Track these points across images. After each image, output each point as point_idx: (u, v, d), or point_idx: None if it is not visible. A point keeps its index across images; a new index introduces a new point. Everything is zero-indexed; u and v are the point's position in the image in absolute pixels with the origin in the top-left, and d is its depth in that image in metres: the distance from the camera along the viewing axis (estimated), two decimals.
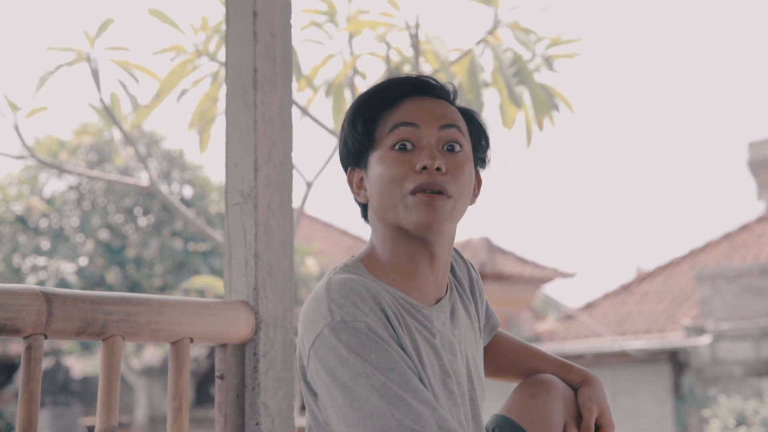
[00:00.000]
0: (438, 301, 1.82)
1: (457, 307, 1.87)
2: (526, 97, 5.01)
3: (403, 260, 1.77)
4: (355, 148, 1.77)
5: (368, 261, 1.80)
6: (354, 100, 1.80)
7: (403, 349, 1.66)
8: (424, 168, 1.68)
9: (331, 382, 1.62)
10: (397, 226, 1.74)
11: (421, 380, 1.67)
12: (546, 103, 5.00)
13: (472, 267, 2.01)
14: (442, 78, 5.17)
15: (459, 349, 1.82)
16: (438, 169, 1.68)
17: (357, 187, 1.80)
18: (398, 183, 1.69)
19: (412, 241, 1.75)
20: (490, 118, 5.06)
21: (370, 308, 1.64)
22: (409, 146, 1.71)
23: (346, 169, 1.83)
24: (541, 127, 5.02)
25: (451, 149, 1.73)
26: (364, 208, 1.83)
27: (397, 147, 1.71)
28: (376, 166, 1.72)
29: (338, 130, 5.51)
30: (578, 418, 1.90)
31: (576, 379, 1.95)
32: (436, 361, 1.74)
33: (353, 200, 1.84)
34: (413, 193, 1.69)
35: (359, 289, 1.66)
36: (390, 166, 1.70)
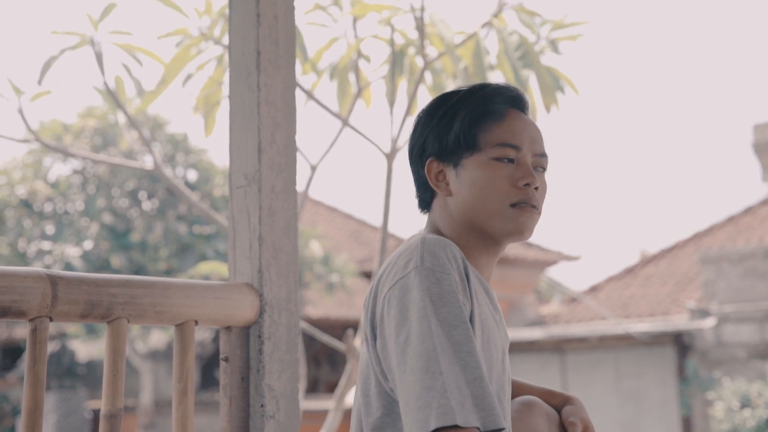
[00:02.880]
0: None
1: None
2: (531, 80, 5.00)
3: (465, 246, 1.89)
4: (452, 146, 1.87)
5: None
6: (457, 98, 1.90)
7: (471, 319, 1.76)
8: (526, 184, 1.84)
9: (399, 317, 1.70)
10: (480, 227, 1.87)
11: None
12: (551, 86, 4.99)
13: None
14: (447, 61, 5.16)
15: (503, 328, 1.93)
16: (536, 188, 1.86)
17: (436, 178, 1.89)
18: (500, 193, 1.84)
19: (486, 241, 1.89)
20: None
21: (457, 267, 1.75)
22: (507, 161, 1.86)
23: (420, 156, 1.92)
24: (548, 110, 5.01)
25: (542, 170, 1.91)
26: (429, 197, 1.93)
27: (497, 159, 1.85)
28: (476, 170, 1.85)
29: (343, 113, 5.50)
30: (561, 430, 1.95)
31: (558, 401, 2.01)
32: (497, 335, 1.85)
33: (419, 185, 1.94)
34: (513, 205, 1.84)
35: (453, 249, 1.77)
36: (494, 176, 1.84)
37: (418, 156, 1.93)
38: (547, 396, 2.03)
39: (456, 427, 1.59)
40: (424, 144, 1.91)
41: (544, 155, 1.89)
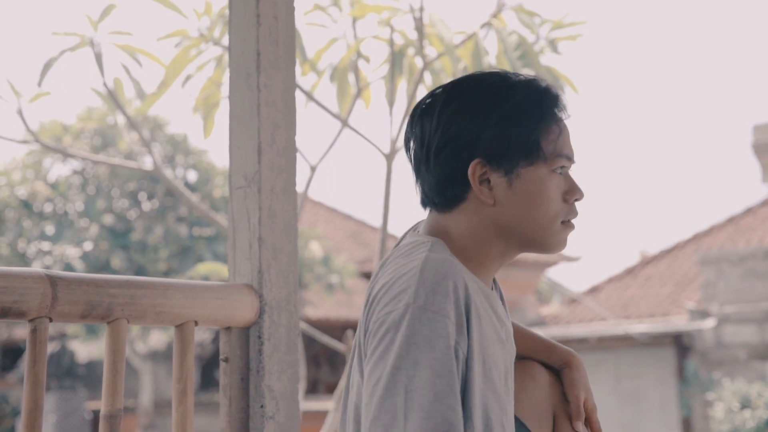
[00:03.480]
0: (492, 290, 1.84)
1: (501, 297, 1.90)
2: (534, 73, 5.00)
3: (484, 253, 1.76)
4: (510, 152, 1.70)
5: (446, 244, 1.75)
6: (516, 97, 1.73)
7: (469, 356, 1.64)
8: (576, 200, 1.75)
9: (380, 355, 1.59)
10: (521, 238, 1.75)
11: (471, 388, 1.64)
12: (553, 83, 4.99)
13: None
14: (447, 61, 5.16)
15: (509, 341, 1.82)
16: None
17: (479, 181, 1.71)
18: (554, 208, 1.73)
19: (514, 249, 1.77)
20: None
21: (456, 302, 1.62)
22: (561, 171, 1.74)
23: (460, 151, 1.71)
24: None
25: None
26: (457, 198, 1.74)
27: (557, 171, 1.73)
28: (535, 182, 1.71)
29: (343, 114, 5.50)
30: (564, 401, 1.88)
31: (558, 360, 1.92)
32: (501, 356, 1.74)
33: (447, 182, 1.74)
34: (563, 222, 1.75)
35: (453, 278, 1.63)
36: (549, 192, 1.71)
37: (457, 150, 1.71)
38: (548, 351, 1.92)
39: None
40: (472, 141, 1.70)
41: (576, 162, 1.79)
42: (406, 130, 1.81)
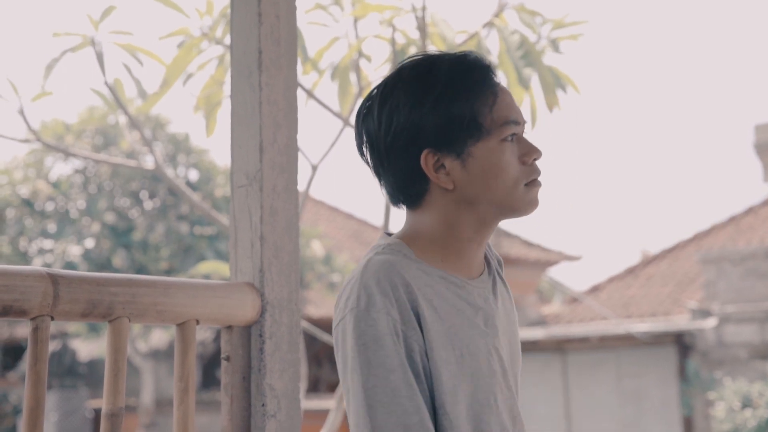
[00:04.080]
0: (480, 275, 1.84)
1: (497, 283, 1.89)
2: (533, 79, 5.00)
3: (459, 239, 1.79)
4: (454, 133, 1.71)
5: (411, 240, 1.78)
6: (443, 77, 1.73)
7: (426, 343, 1.68)
8: (534, 159, 1.76)
9: (342, 363, 1.69)
10: (491, 209, 1.76)
11: (436, 376, 1.68)
12: (553, 85, 4.99)
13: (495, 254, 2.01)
14: None
15: (501, 329, 1.82)
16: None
17: (434, 170, 1.73)
18: (512, 177, 1.74)
19: (489, 222, 1.79)
20: None
21: (396, 300, 1.66)
22: (512, 138, 1.75)
23: (407, 148, 1.73)
24: (550, 109, 5.01)
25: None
26: (422, 192, 1.76)
27: (507, 139, 1.74)
28: (487, 157, 1.72)
29: (344, 113, 5.51)
30: None
31: None
32: (480, 339, 1.76)
33: (407, 180, 1.76)
34: (527, 184, 1.76)
35: (393, 277, 1.67)
36: (504, 163, 1.73)
37: (404, 147, 1.73)
38: None
39: None
40: (416, 133, 1.72)
41: (525, 122, 1.79)
42: (355, 138, 1.82)
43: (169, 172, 17.69)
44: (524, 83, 4.87)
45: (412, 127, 1.72)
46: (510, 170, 1.73)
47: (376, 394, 1.61)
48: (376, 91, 1.78)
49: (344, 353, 1.67)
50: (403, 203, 1.80)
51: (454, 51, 1.82)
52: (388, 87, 1.76)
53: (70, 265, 16.94)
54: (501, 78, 1.83)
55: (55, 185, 17.95)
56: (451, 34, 4.97)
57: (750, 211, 18.32)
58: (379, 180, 1.80)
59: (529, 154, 1.75)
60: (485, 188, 1.73)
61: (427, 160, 1.72)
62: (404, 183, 1.76)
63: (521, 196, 1.74)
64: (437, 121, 1.71)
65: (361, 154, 1.81)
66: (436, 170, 1.73)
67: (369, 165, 1.81)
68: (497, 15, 5.12)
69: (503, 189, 1.73)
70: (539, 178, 1.76)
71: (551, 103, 4.99)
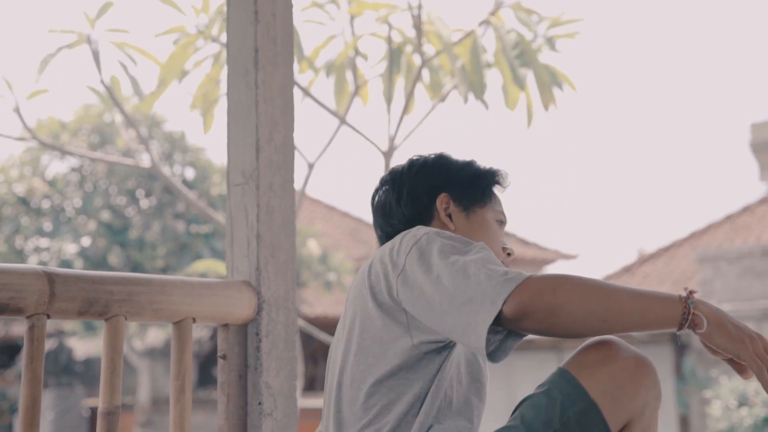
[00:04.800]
0: None
1: None
2: (529, 78, 5.00)
3: None
4: (471, 194, 2.18)
5: None
6: (474, 161, 2.24)
7: None
8: (508, 254, 2.21)
9: (424, 267, 1.90)
10: None
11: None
12: (549, 83, 4.99)
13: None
14: (445, 59, 5.16)
15: None
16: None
17: (444, 210, 2.16)
18: (497, 247, 2.17)
19: None
20: (492, 98, 5.06)
21: None
22: (501, 226, 2.23)
23: (429, 191, 2.17)
24: (546, 108, 5.01)
25: None
26: (425, 221, 2.16)
27: (497, 222, 2.21)
28: (484, 220, 2.18)
29: (340, 111, 5.50)
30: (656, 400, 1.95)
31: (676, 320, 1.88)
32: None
33: (415, 214, 2.16)
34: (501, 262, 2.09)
35: None
36: (496, 232, 2.19)
37: (425, 190, 2.17)
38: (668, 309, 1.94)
39: (517, 289, 1.80)
40: (439, 183, 2.17)
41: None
42: (380, 193, 2.22)
43: (165, 170, 17.68)
44: (519, 82, 4.87)
45: (440, 177, 2.18)
46: (497, 241, 2.17)
47: (465, 252, 1.91)
48: (390, 173, 2.23)
49: (425, 260, 1.90)
50: (403, 231, 2.11)
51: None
52: (415, 159, 2.24)
53: (66, 263, 16.92)
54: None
55: (51, 183, 17.93)
56: (447, 32, 4.97)
57: (746, 209, 18.34)
58: (387, 221, 2.18)
59: (507, 247, 2.20)
60: (478, 238, 2.12)
61: (442, 201, 2.16)
62: (413, 216, 2.16)
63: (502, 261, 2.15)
64: (462, 177, 2.19)
65: (376, 226, 2.21)
66: (445, 212, 2.16)
67: (379, 221, 2.20)
68: (493, 13, 5.12)
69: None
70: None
71: (546, 101, 5.00)
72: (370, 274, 2.01)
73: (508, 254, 2.20)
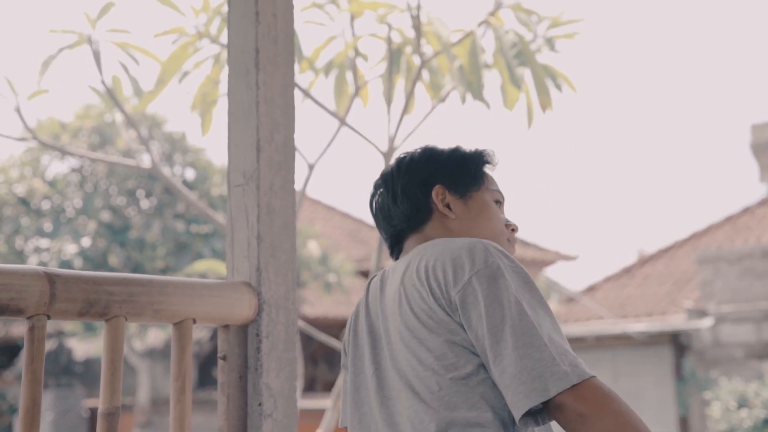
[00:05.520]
0: None
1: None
2: (527, 77, 5.00)
3: None
4: (464, 179, 2.16)
5: None
6: (459, 147, 2.22)
7: None
8: (512, 230, 2.21)
9: (491, 300, 1.83)
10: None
11: None
12: (546, 85, 4.99)
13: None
14: (444, 60, 5.16)
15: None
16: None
17: (441, 202, 2.14)
18: (500, 227, 2.16)
19: None
20: (491, 99, 5.06)
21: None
22: (500, 206, 2.22)
23: (423, 185, 2.16)
24: (543, 109, 5.01)
25: None
26: (424, 218, 2.15)
27: (495, 202, 2.20)
28: (482, 203, 2.16)
29: (340, 111, 5.50)
30: None
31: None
32: None
33: (414, 209, 2.15)
34: (508, 239, 2.18)
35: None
36: (496, 213, 2.18)
37: (418, 186, 2.16)
38: None
39: (572, 387, 1.73)
40: (429, 176, 2.16)
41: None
42: (376, 198, 2.22)
43: (166, 170, 17.68)
44: (516, 82, 4.87)
45: (430, 170, 2.17)
46: (499, 222, 2.17)
47: (538, 318, 1.82)
48: (382, 174, 2.23)
49: (493, 294, 1.83)
50: (407, 231, 2.16)
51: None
52: (402, 156, 2.23)
53: (66, 264, 16.92)
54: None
55: (52, 184, 17.93)
56: (446, 33, 4.96)
57: (746, 210, 18.34)
58: (387, 223, 2.17)
59: (510, 224, 2.20)
60: (477, 225, 2.14)
61: (437, 193, 2.14)
62: (412, 212, 2.15)
63: (503, 245, 2.14)
64: (451, 165, 2.18)
65: (378, 224, 2.21)
66: (443, 204, 2.14)
67: (380, 221, 2.19)
68: (493, 13, 5.12)
69: (491, 231, 2.14)
70: (514, 245, 2.20)
71: (544, 103, 5.00)
72: (409, 302, 1.96)
73: (513, 230, 2.20)
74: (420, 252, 2.01)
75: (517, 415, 1.75)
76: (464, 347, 1.86)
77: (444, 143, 2.27)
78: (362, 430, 2.00)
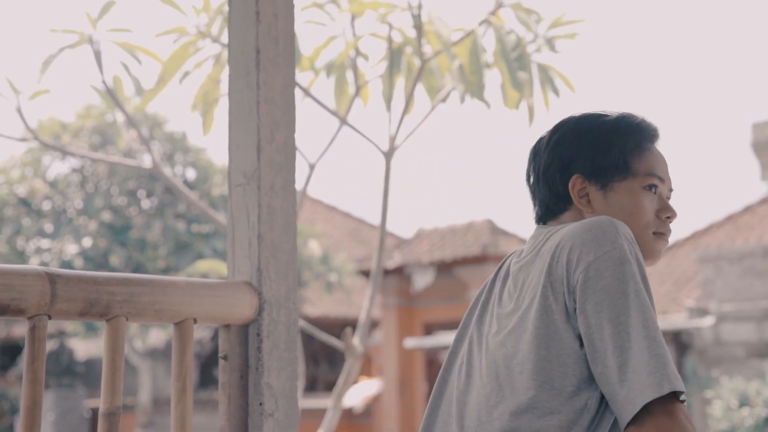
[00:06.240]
0: None
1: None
2: (525, 79, 5.00)
3: None
4: (604, 168, 1.94)
5: None
6: (610, 122, 1.98)
7: None
8: (668, 217, 1.97)
9: (616, 286, 1.73)
10: None
11: None
12: (547, 84, 4.99)
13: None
14: (444, 59, 5.16)
15: None
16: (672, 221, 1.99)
17: (578, 195, 1.95)
18: (646, 220, 1.94)
19: None
20: (491, 98, 5.06)
21: None
22: (654, 190, 1.96)
23: (562, 171, 1.96)
24: (547, 107, 5.02)
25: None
26: (561, 209, 1.97)
27: (647, 187, 1.95)
28: (626, 195, 1.94)
29: (340, 111, 5.50)
30: None
31: None
32: None
33: (552, 197, 1.98)
34: (656, 233, 1.96)
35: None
36: (642, 204, 1.94)
37: (558, 170, 1.97)
38: None
39: (674, 394, 1.67)
40: (570, 160, 1.96)
41: (672, 190, 2.03)
42: (527, 167, 2.05)
43: (167, 170, 17.68)
44: (516, 84, 4.87)
45: (570, 156, 1.96)
46: (644, 214, 1.93)
47: (653, 316, 1.73)
48: (550, 128, 2.04)
49: (619, 279, 1.73)
50: (544, 217, 2.00)
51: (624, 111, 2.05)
52: (558, 126, 2.02)
53: (67, 264, 16.92)
54: (662, 143, 2.04)
55: (52, 184, 17.93)
56: (446, 33, 4.96)
57: (747, 209, 18.33)
58: (533, 200, 2.01)
59: (665, 210, 1.96)
60: (619, 218, 1.91)
61: (575, 184, 1.95)
62: (550, 200, 1.98)
63: (649, 240, 1.95)
64: (594, 154, 1.95)
65: (528, 180, 2.04)
66: (581, 196, 1.95)
67: (529, 188, 2.03)
68: (493, 13, 5.12)
69: (635, 227, 1.92)
70: (667, 236, 1.98)
71: (531, 105, 5.00)
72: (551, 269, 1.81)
73: (668, 217, 1.96)
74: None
75: (639, 405, 1.65)
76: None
77: (611, 110, 2.04)
78: None
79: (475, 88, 4.93)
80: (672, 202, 2.02)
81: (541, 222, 2.00)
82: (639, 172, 1.94)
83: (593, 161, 1.94)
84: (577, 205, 1.94)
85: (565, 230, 1.84)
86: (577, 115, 2.03)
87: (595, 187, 1.94)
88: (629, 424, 1.68)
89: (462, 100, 4.95)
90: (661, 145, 2.02)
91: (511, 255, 2.02)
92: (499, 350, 1.83)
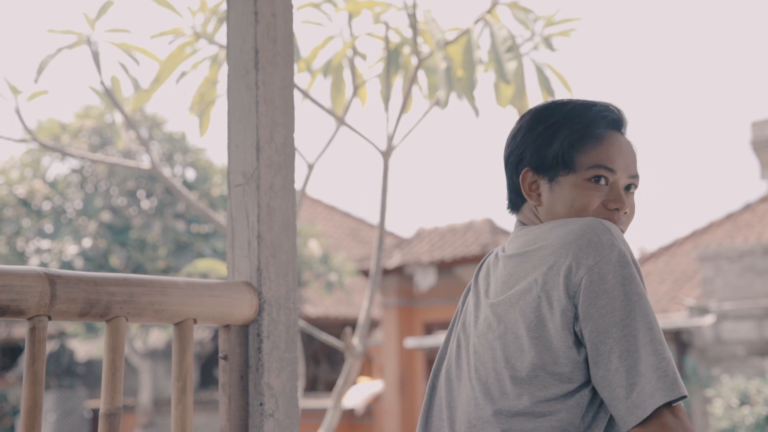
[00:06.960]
0: None
1: None
2: (527, 76, 5.00)
3: None
4: (549, 162, 1.92)
5: None
6: (560, 115, 1.94)
7: None
8: (616, 209, 1.90)
9: (619, 289, 1.73)
10: None
11: None
12: (543, 84, 4.99)
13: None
14: (437, 58, 5.16)
15: None
16: (625, 212, 1.93)
17: (529, 188, 1.94)
18: (592, 211, 1.90)
19: None
20: (484, 95, 5.06)
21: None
22: (602, 182, 1.91)
23: (517, 164, 1.96)
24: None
25: (628, 189, 1.96)
26: (520, 202, 1.97)
27: (592, 180, 1.91)
28: (570, 189, 1.90)
29: (338, 111, 5.50)
30: None
31: None
32: None
33: (511, 190, 1.99)
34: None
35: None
36: (585, 197, 1.89)
37: (514, 164, 1.97)
38: None
39: (674, 402, 1.68)
40: (522, 154, 1.95)
41: (636, 176, 1.96)
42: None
43: (166, 171, 17.68)
44: (503, 76, 4.86)
45: (521, 150, 1.95)
46: (588, 206, 1.89)
47: (655, 319, 1.73)
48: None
49: (622, 282, 1.74)
50: (509, 208, 2.01)
51: (594, 99, 2.01)
52: (524, 113, 2.01)
53: (67, 265, 16.92)
54: (626, 128, 2.00)
55: (52, 185, 17.93)
56: (439, 33, 4.96)
57: (747, 208, 18.33)
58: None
59: (612, 201, 1.90)
60: (564, 213, 1.89)
61: (525, 176, 1.94)
62: (510, 192, 1.99)
63: None
64: (540, 147, 1.93)
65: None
66: (531, 189, 1.94)
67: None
68: (489, 11, 5.12)
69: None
70: (618, 227, 1.90)
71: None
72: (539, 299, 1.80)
73: (616, 209, 1.90)
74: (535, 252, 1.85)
75: (650, 408, 1.65)
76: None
77: (575, 99, 2.01)
78: None
79: (465, 86, 4.92)
80: (636, 191, 1.99)
81: (510, 210, 2.02)
82: (583, 166, 1.90)
83: (539, 155, 1.93)
84: (527, 198, 1.94)
85: (553, 236, 1.82)
86: (539, 105, 2.01)
87: (543, 180, 1.92)
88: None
89: (445, 104, 4.91)
90: (624, 131, 1.97)
91: (489, 255, 2.03)
92: (487, 353, 1.83)
